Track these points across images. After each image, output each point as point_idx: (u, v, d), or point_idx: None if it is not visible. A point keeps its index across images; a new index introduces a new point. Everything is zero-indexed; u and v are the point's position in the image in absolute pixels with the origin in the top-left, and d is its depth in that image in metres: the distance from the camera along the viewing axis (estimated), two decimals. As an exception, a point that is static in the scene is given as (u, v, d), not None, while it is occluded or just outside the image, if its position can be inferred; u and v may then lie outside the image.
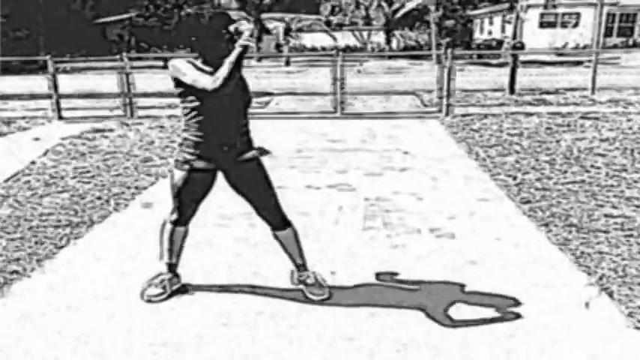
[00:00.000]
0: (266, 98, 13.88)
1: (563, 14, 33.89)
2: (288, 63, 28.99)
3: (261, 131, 9.69)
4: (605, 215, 4.90)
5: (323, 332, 3.10)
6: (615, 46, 32.43)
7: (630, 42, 33.86)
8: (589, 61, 16.35)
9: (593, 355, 2.84)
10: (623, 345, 2.93)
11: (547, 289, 3.56)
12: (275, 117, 11.40)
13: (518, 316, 3.23)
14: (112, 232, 4.75)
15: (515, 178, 6.20)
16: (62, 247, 4.39)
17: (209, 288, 3.67)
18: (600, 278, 3.68)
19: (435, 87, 11.83)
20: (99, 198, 5.66)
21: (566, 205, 5.21)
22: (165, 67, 27.60)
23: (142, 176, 6.54)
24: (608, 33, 32.83)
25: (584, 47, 31.15)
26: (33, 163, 7.25)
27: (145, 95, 12.45)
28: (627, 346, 2.92)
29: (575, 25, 34.15)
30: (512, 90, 13.83)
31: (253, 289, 3.63)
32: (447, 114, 10.80)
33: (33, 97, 12.81)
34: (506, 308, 3.32)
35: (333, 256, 4.11)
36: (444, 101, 10.96)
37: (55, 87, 11.38)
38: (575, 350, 2.88)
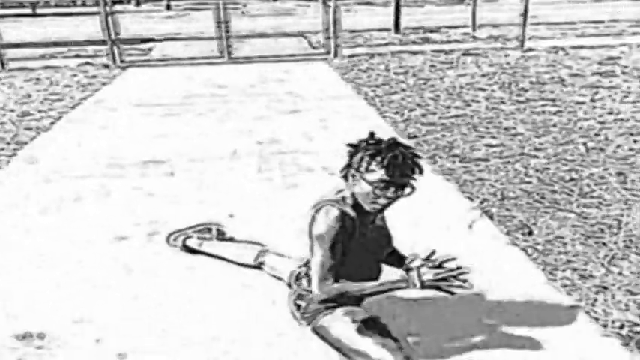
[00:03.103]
0: (148, 45, 13.25)
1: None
2: (169, 7, 27.70)
3: (144, 80, 9.31)
4: (486, 145, 5.19)
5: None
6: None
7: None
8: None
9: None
10: (500, 257, 3.18)
11: (433, 215, 3.75)
12: (158, 64, 10.93)
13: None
14: (-14, 192, 4.42)
15: (402, 114, 6.39)
16: None
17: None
18: (482, 202, 3.93)
19: (322, 28, 11.82)
20: (-30, 157, 5.22)
21: (450, 137, 5.46)
22: (34, 14, 25.49)
23: (22, 131, 6.11)
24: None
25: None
26: None
27: (16, 46, 11.49)
28: (503, 258, 3.17)
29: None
30: (397, 29, 14.10)
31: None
32: (335, 55, 10.83)
33: None
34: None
35: (230, 200, 4.08)
36: (332, 42, 10.97)
37: None
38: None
